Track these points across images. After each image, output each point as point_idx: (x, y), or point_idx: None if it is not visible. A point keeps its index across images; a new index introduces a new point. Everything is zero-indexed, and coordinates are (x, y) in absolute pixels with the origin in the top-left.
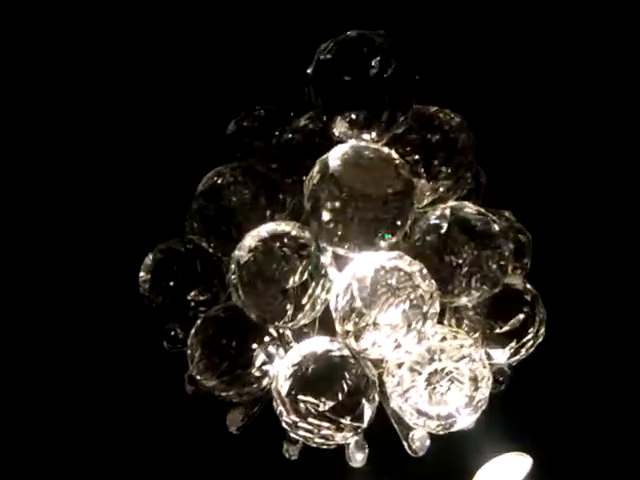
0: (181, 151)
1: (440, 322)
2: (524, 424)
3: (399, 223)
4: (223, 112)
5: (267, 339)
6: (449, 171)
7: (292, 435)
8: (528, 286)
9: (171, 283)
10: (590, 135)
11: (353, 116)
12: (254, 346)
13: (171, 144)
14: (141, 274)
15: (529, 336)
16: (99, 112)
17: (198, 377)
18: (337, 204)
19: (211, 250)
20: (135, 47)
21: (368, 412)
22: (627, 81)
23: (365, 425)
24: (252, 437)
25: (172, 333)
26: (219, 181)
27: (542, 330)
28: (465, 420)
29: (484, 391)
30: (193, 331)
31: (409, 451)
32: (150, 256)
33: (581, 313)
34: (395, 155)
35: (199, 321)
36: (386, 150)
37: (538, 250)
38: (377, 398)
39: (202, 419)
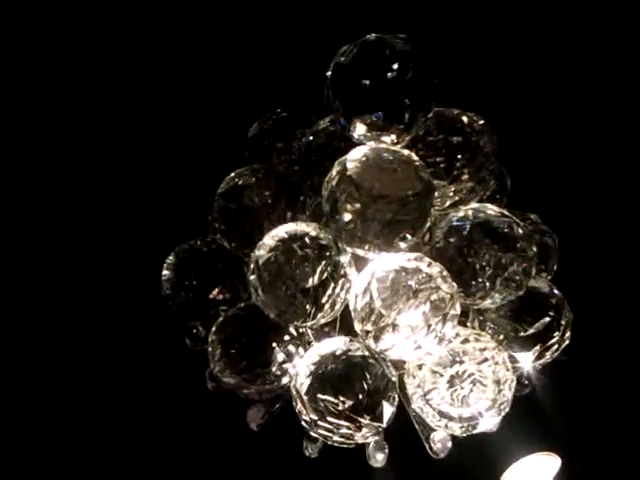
0: (204, 153)
1: (463, 324)
2: (553, 424)
3: (419, 224)
4: (245, 115)
5: (287, 338)
6: (471, 173)
7: (311, 434)
8: (554, 289)
9: (193, 282)
10: (616, 139)
11: (372, 119)
12: (274, 345)
13: (194, 146)
14: (164, 272)
15: (554, 340)
16: (123, 114)
17: (218, 374)
18: (356, 205)
19: (232, 250)
20: (159, 49)
21: (388, 412)
22: None
23: (385, 425)
24: (273, 435)
25: (194, 331)
26: (240, 182)
27: (568, 334)
28: (488, 422)
29: (507, 394)
30: (214, 329)
31: (430, 452)
32: (173, 255)
33: (607, 314)
34: (415, 157)
35: (220, 319)
36: (406, 152)
37: (565, 252)
38: (397, 398)
39: (223, 416)
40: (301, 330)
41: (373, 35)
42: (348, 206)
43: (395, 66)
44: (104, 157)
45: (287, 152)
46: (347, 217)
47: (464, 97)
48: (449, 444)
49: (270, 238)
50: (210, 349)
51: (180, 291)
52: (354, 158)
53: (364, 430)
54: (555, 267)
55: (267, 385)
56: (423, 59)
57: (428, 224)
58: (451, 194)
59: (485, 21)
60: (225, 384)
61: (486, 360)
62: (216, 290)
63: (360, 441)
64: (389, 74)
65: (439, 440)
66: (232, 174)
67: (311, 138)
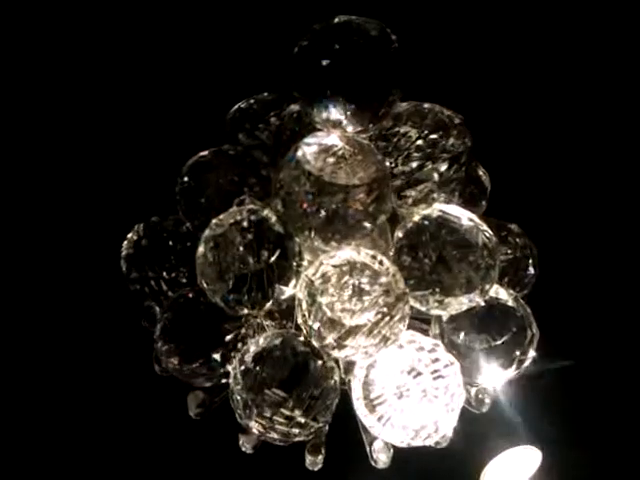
0: (180, 139)
1: (424, 332)
2: (536, 418)
3: (370, 218)
4: (223, 99)
5: (233, 325)
6: (435, 170)
7: (246, 428)
8: (519, 304)
9: (152, 261)
10: (601, 144)
11: (332, 105)
12: (221, 330)
13: (168, 131)
14: (123, 249)
15: (517, 354)
16: (96, 99)
17: (161, 357)
18: (305, 193)
19: (192, 230)
20: (134, 34)
21: (324, 411)
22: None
23: (320, 425)
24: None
25: (150, 311)
26: (202, 162)
27: (531, 350)
28: (433, 437)
29: (454, 406)
30: (159, 310)
31: (371, 460)
32: (134, 232)
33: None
34: (371, 147)
35: (168, 300)
36: (365, 142)
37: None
38: (335, 398)
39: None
40: (250, 318)
41: (342, 17)
42: (296, 194)
43: (357, 50)
44: (67, 139)
45: (255, 134)
46: (296, 204)
47: (446, 94)
48: (390, 453)
49: (219, 220)
50: (156, 331)
51: (137, 269)
52: (306, 144)
53: (300, 429)
54: (531, 283)
55: (210, 372)
56: (394, 45)
57: (382, 219)
58: (413, 193)
59: (464, 19)
60: (169, 368)
61: (437, 371)
62: (173, 271)
63: (296, 439)
64: (350, 58)
65: (379, 449)
66: (201, 153)
67: (279, 122)
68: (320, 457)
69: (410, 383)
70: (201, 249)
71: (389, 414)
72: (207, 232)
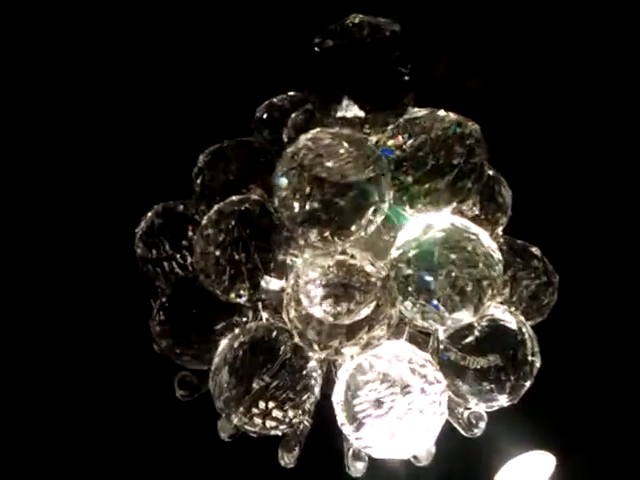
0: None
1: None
2: (548, 423)
3: (357, 216)
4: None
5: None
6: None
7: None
8: (526, 328)
9: (163, 241)
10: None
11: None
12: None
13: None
14: (139, 228)
15: (512, 379)
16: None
17: (155, 338)
18: (298, 187)
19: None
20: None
21: (299, 408)
22: None
23: (295, 420)
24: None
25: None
26: (217, 150)
27: (528, 379)
28: (407, 454)
29: (432, 426)
30: (160, 292)
31: (347, 468)
32: (151, 213)
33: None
34: (368, 144)
35: (170, 282)
36: (360, 136)
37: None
38: (312, 397)
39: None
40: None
41: (356, 16)
42: (291, 187)
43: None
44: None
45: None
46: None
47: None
48: (364, 464)
49: (216, 209)
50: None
51: (150, 248)
52: (304, 139)
53: (276, 422)
54: (549, 308)
55: (200, 355)
56: (408, 45)
57: (369, 218)
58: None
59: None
60: (160, 347)
61: (423, 388)
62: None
63: (272, 432)
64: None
65: (354, 461)
66: (213, 147)
67: (301, 117)
68: (292, 455)
69: (393, 396)
70: (197, 236)
71: (367, 424)
72: (204, 220)
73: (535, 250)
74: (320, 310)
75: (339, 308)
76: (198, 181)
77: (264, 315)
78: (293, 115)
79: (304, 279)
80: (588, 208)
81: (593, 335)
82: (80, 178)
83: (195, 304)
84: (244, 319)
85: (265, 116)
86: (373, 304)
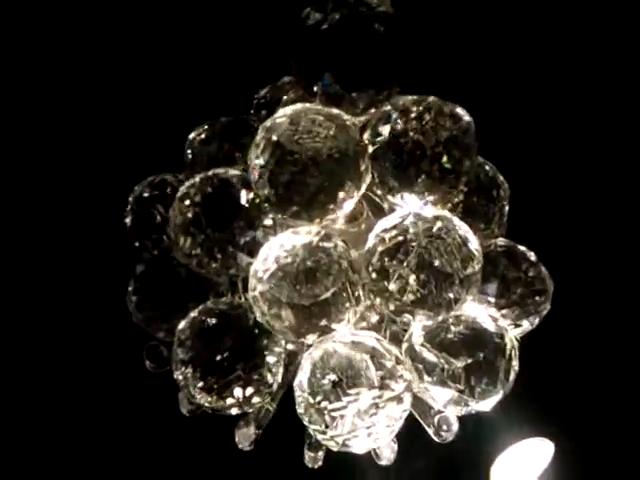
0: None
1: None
2: (546, 410)
3: (329, 196)
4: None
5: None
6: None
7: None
8: (505, 332)
9: (153, 213)
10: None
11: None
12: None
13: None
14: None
15: (482, 385)
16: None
17: (133, 310)
18: (272, 164)
19: None
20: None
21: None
22: None
23: (255, 400)
24: None
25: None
26: (209, 127)
27: (502, 386)
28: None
29: (393, 424)
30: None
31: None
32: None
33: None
34: (345, 118)
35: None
36: (335, 111)
37: None
38: (273, 380)
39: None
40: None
41: None
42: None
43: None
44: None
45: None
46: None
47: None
48: (322, 454)
49: (192, 180)
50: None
51: (139, 221)
52: (279, 114)
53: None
54: (540, 316)
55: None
56: (398, 25)
57: (346, 201)
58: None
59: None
60: (135, 319)
61: (387, 384)
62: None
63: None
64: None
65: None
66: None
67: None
68: (247, 437)
69: (355, 388)
70: (173, 207)
71: (325, 415)
72: (178, 192)
73: (531, 255)
74: (281, 290)
75: (302, 289)
76: (189, 153)
77: (243, 295)
78: (287, 95)
79: (265, 256)
80: (588, 210)
81: (592, 328)
82: (75, 151)
83: (171, 278)
84: (222, 298)
85: (264, 98)
86: (335, 288)
